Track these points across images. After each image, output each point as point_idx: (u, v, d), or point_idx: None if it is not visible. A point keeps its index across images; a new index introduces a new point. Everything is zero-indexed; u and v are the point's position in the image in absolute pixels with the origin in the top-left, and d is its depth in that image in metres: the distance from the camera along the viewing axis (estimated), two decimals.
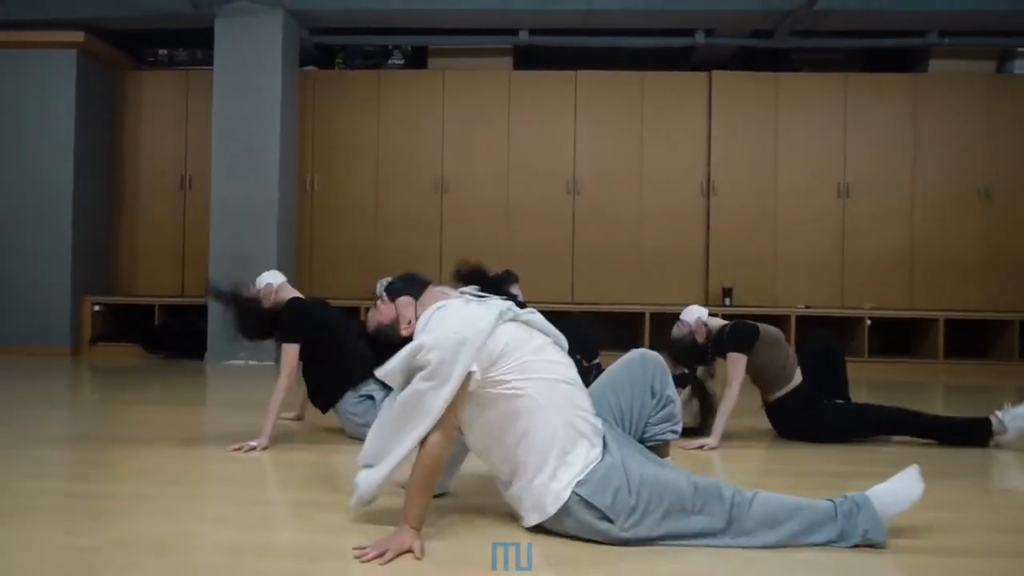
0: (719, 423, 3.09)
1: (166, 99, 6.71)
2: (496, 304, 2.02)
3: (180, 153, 6.67)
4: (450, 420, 1.88)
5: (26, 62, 6.16)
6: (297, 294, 3.26)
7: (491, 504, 2.17)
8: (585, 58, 6.67)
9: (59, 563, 1.81)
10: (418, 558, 1.79)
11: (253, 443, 2.91)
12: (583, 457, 1.90)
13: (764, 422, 3.37)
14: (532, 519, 1.92)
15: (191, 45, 6.80)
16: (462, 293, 2.13)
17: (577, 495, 1.86)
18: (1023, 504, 2.43)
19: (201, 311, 6.03)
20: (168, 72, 6.81)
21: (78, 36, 6.11)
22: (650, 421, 2.14)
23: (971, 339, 6.34)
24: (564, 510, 1.87)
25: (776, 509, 1.89)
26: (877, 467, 2.85)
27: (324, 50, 6.80)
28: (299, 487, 2.55)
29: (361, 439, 3.09)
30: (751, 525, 1.87)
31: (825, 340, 3.46)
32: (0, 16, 6.11)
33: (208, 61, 6.23)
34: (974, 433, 3.14)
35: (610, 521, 1.85)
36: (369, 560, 1.77)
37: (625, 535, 1.86)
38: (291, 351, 3.05)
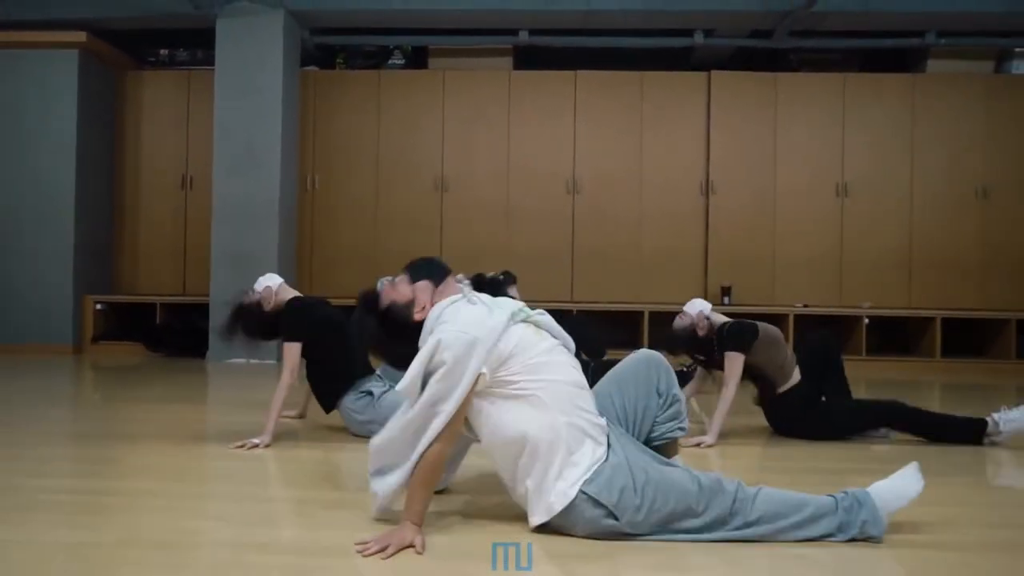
0: (716, 421, 3.12)
1: (167, 99, 6.74)
2: (508, 304, 2.05)
3: (181, 153, 6.70)
4: (458, 420, 1.91)
5: (28, 62, 6.19)
6: (296, 294, 3.29)
7: (491, 500, 2.20)
8: (585, 58, 6.70)
9: (62, 560, 1.82)
10: (419, 553, 1.81)
11: (255, 440, 2.93)
12: (589, 456, 1.91)
13: (760, 420, 3.39)
14: (539, 518, 1.93)
15: (192, 45, 6.82)
16: (468, 294, 2.13)
17: (584, 493, 1.88)
18: (1018, 501, 2.45)
19: (202, 310, 6.05)
20: (169, 72, 6.84)
21: (80, 36, 6.13)
22: (657, 420, 2.15)
23: (968, 338, 6.37)
24: (570, 508, 1.89)
25: (779, 504, 1.92)
26: (874, 464, 2.90)
27: (325, 50, 6.82)
28: (301, 484, 2.57)
29: (363, 436, 3.14)
30: (753, 518, 1.89)
31: (824, 339, 3.48)
32: (1, 16, 6.14)
33: (209, 61, 6.26)
34: (968, 431, 3.16)
35: (615, 518, 1.87)
36: (371, 554, 1.79)
37: (629, 531, 1.89)
38: (293, 350, 3.07)
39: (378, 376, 3.26)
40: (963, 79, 6.41)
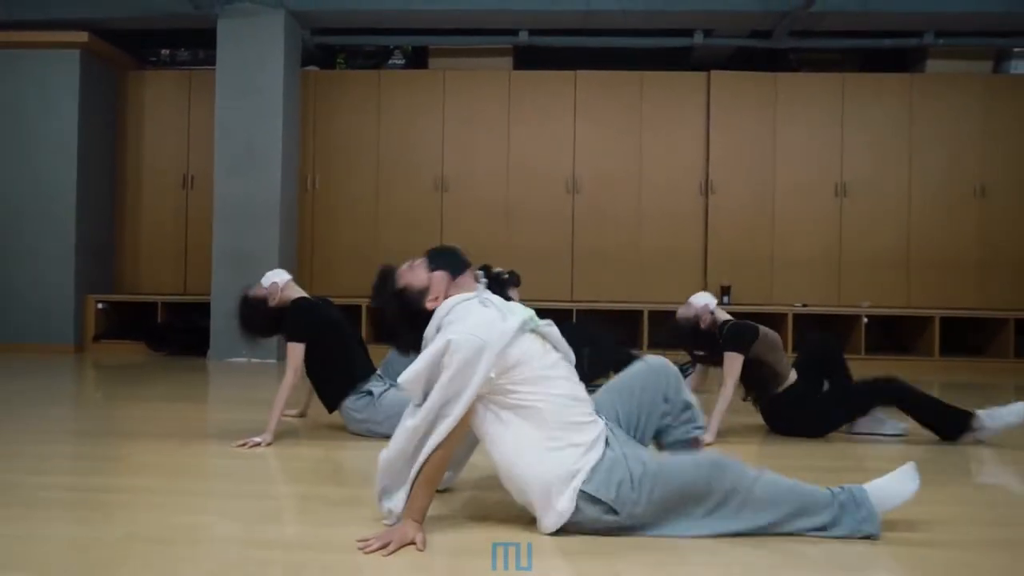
0: (715, 420, 3.13)
1: (168, 99, 6.76)
2: (519, 310, 2.03)
3: (182, 152, 6.72)
4: (464, 423, 1.92)
5: (29, 62, 6.21)
6: (303, 293, 3.30)
7: (493, 498, 2.22)
8: (584, 58, 6.72)
9: (63, 555, 1.83)
10: (420, 549, 1.83)
11: (257, 439, 2.95)
12: (588, 461, 1.92)
13: (757, 418, 3.42)
14: (547, 526, 1.93)
15: (193, 45, 6.84)
16: (483, 294, 2.11)
17: (583, 492, 1.90)
18: (1014, 500, 2.47)
19: (203, 309, 6.08)
20: (170, 72, 6.85)
21: (82, 36, 6.15)
22: (672, 425, 2.16)
23: (967, 337, 6.39)
24: (575, 512, 1.91)
25: (780, 490, 1.93)
26: (871, 463, 2.92)
27: (325, 50, 6.84)
28: (303, 482, 2.59)
29: (361, 434, 3.16)
30: (753, 499, 1.90)
31: (824, 340, 3.50)
32: (3, 16, 6.16)
33: (210, 61, 6.28)
34: (955, 424, 3.16)
35: (615, 513, 1.90)
36: (372, 551, 1.82)
37: (631, 524, 1.91)
38: (297, 350, 3.09)
39: (378, 376, 3.27)
40: (962, 79, 6.43)
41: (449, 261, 2.12)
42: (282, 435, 3.10)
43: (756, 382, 3.27)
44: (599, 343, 4.44)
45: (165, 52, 6.94)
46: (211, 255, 5.99)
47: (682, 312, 3.42)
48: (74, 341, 6.23)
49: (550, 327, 2.07)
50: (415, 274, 2.12)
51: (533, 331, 2.01)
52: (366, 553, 1.81)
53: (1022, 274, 6.35)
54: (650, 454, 2.00)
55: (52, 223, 6.20)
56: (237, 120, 5.95)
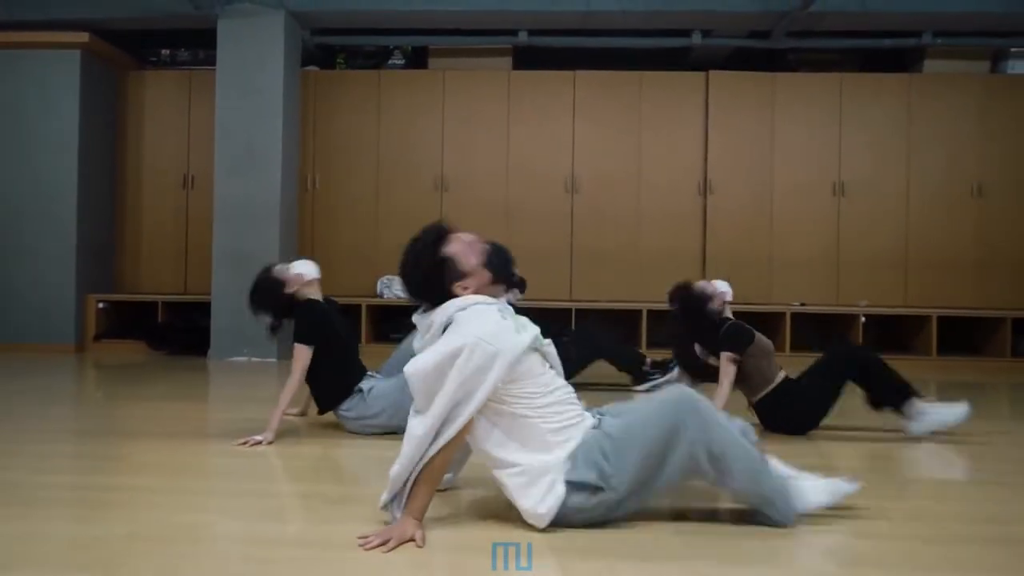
0: None
1: (169, 99, 6.77)
2: (531, 327, 2.07)
3: (183, 152, 6.74)
4: (467, 428, 1.96)
5: (30, 62, 6.22)
6: (318, 297, 3.29)
7: (491, 496, 2.23)
8: (584, 58, 6.74)
9: (64, 553, 1.84)
10: (419, 546, 1.86)
11: (259, 437, 2.97)
12: (567, 449, 1.98)
13: (753, 417, 3.45)
14: (541, 523, 1.97)
15: (193, 45, 6.86)
16: (504, 307, 2.11)
17: (568, 483, 1.94)
18: (1000, 497, 2.49)
19: (204, 308, 6.09)
20: (171, 72, 6.87)
21: (82, 37, 6.17)
22: None
23: (964, 336, 6.41)
24: (561, 507, 1.95)
25: (735, 447, 1.96)
26: (866, 461, 2.95)
27: (325, 50, 6.86)
28: (304, 480, 2.62)
29: (358, 433, 3.19)
30: (711, 436, 1.92)
31: (856, 352, 3.43)
32: (3, 17, 6.17)
33: (210, 61, 6.29)
34: (900, 392, 3.20)
35: (602, 489, 1.93)
36: (373, 548, 1.84)
37: (617, 496, 1.93)
38: (304, 353, 3.11)
39: (370, 374, 3.30)
40: (960, 79, 6.45)
41: (501, 266, 2.11)
42: (283, 434, 3.12)
43: (744, 383, 3.33)
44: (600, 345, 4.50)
45: (165, 52, 6.96)
46: (211, 255, 6.01)
47: (700, 284, 3.48)
48: (75, 341, 6.25)
49: (550, 347, 2.13)
50: (468, 256, 2.06)
51: (536, 349, 2.06)
52: (366, 550, 1.83)
53: (1019, 273, 6.37)
54: (615, 422, 2.03)
55: (53, 223, 6.21)
56: (237, 120, 5.96)
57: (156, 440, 3.07)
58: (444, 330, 2.00)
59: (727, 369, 3.23)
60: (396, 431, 3.14)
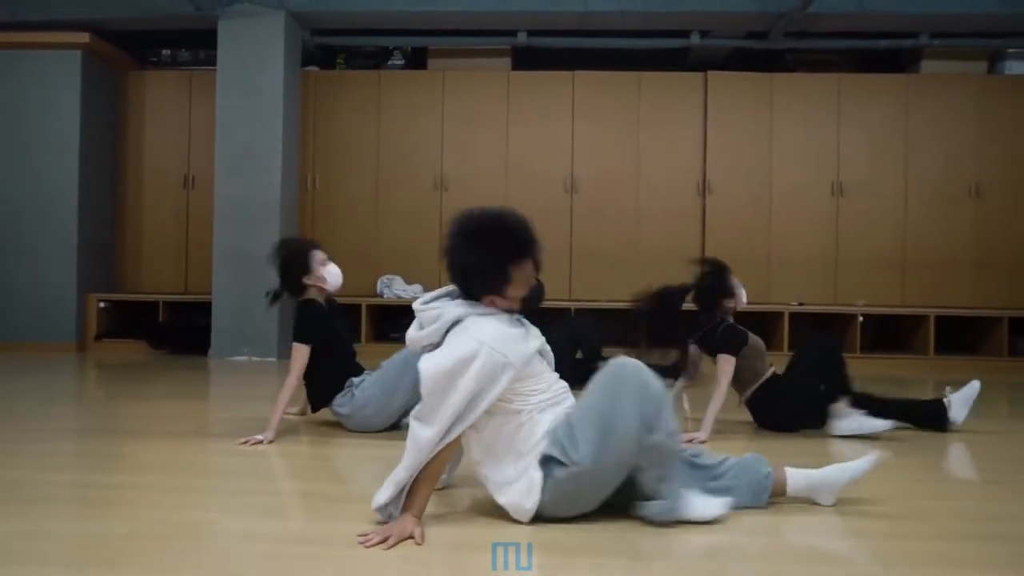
0: (708, 418, 3.22)
1: (169, 99, 6.79)
2: (537, 335, 2.12)
3: (183, 152, 6.76)
4: (468, 431, 2.01)
5: (30, 62, 6.24)
6: (319, 299, 3.28)
7: (490, 495, 2.25)
8: (583, 59, 6.76)
9: (65, 551, 1.86)
10: (419, 544, 1.88)
11: (260, 437, 2.99)
12: (543, 426, 2.03)
13: (749, 416, 3.49)
14: (525, 517, 2.00)
15: (194, 46, 6.88)
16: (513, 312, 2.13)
17: (539, 464, 1.98)
18: (1008, 495, 2.51)
19: (204, 308, 6.11)
20: (171, 72, 6.89)
21: (83, 37, 6.19)
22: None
23: (961, 336, 6.44)
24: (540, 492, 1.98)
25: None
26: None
27: (325, 51, 6.87)
28: (304, 478, 2.63)
29: (356, 431, 3.21)
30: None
31: (822, 341, 3.54)
32: (4, 17, 6.19)
33: (211, 61, 6.31)
34: (931, 414, 3.31)
35: (565, 465, 1.95)
36: (373, 545, 1.86)
37: (584, 467, 1.94)
38: (302, 352, 3.12)
39: (368, 375, 3.32)
40: (957, 79, 6.47)
41: (530, 303, 2.17)
42: (283, 433, 3.14)
43: (736, 381, 3.37)
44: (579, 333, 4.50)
45: (166, 52, 6.98)
46: (212, 254, 6.03)
47: (734, 282, 3.51)
48: (76, 340, 6.27)
49: (546, 345, 2.17)
50: (520, 287, 2.07)
51: (538, 352, 2.11)
52: (366, 548, 1.85)
53: (1016, 273, 6.40)
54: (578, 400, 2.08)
55: (53, 223, 6.23)
56: (237, 120, 5.98)
57: (157, 439, 3.09)
58: (450, 327, 2.04)
59: (725, 369, 3.28)
60: (397, 424, 3.18)
